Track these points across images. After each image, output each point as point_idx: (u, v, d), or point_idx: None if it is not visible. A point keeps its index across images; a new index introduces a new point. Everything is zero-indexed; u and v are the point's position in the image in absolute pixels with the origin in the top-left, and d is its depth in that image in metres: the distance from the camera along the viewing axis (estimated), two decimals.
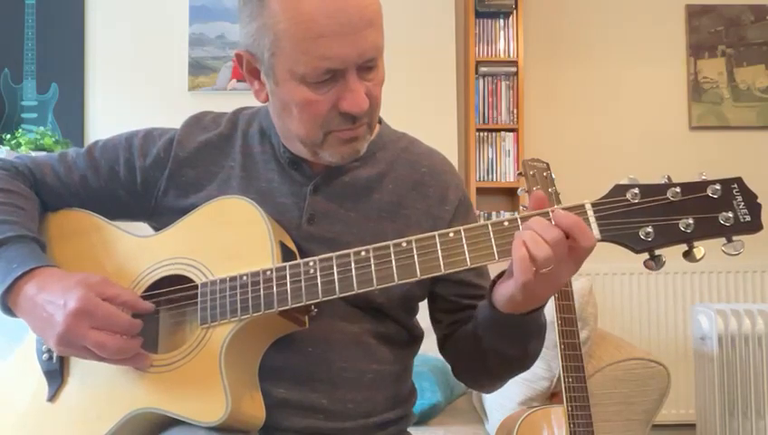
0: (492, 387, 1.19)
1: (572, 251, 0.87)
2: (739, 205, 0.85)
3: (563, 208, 0.89)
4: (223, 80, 3.33)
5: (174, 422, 0.96)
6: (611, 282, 3.36)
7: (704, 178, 0.87)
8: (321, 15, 0.94)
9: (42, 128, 3.21)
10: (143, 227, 1.18)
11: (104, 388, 1.01)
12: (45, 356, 1.07)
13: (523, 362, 1.09)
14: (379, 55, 1.01)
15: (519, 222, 0.90)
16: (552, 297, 1.67)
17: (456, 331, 1.14)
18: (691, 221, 0.85)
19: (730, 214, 0.84)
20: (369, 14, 0.97)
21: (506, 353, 1.05)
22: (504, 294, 0.95)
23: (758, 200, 0.85)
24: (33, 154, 2.84)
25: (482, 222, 0.92)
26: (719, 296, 3.35)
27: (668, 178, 0.87)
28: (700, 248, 0.86)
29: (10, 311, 1.01)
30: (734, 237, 0.85)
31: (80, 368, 1.05)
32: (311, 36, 0.95)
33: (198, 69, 3.33)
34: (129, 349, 0.96)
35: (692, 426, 2.89)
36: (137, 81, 3.33)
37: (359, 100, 0.99)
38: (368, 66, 1.00)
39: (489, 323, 1.01)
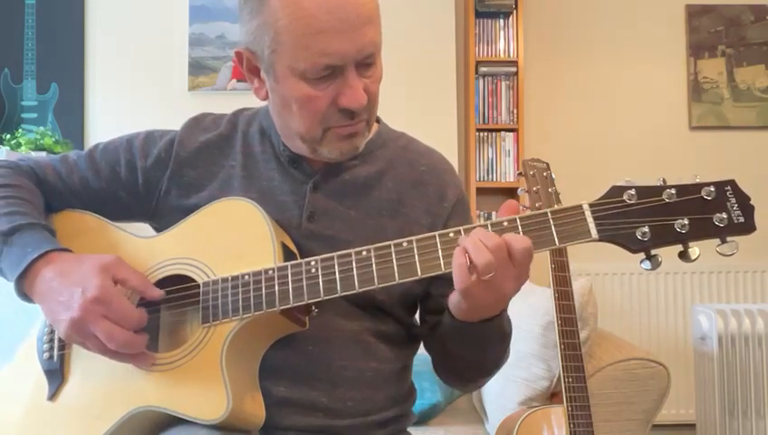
0: (463, 388, 1.22)
1: (512, 257, 0.89)
2: (733, 206, 0.87)
3: (560, 209, 0.91)
4: (223, 80, 3.33)
5: (174, 421, 0.96)
6: (611, 282, 3.36)
7: (698, 180, 0.88)
8: (321, 11, 0.95)
9: (42, 128, 3.21)
10: (144, 228, 1.18)
11: (105, 386, 1.02)
12: (46, 355, 1.07)
13: (482, 367, 1.12)
14: (377, 52, 1.03)
15: (518, 222, 0.91)
16: (552, 297, 1.67)
17: (435, 331, 1.15)
18: (686, 222, 0.87)
19: (724, 215, 0.86)
20: (367, 11, 0.98)
21: (465, 358, 1.08)
22: (452, 301, 0.97)
23: (752, 202, 0.87)
24: (34, 155, 2.85)
25: (481, 222, 0.93)
26: (719, 296, 3.35)
27: (663, 180, 0.89)
28: (695, 249, 0.88)
29: (25, 296, 1.02)
30: (729, 238, 0.87)
31: (80, 367, 1.05)
32: (310, 32, 0.96)
33: (198, 69, 3.33)
34: (135, 344, 0.97)
35: (692, 426, 2.89)
36: (137, 81, 3.33)
37: (357, 95, 1.00)
38: (366, 63, 1.01)
39: (449, 328, 1.04)
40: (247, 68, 1.07)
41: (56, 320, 0.98)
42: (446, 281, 1.13)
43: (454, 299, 0.96)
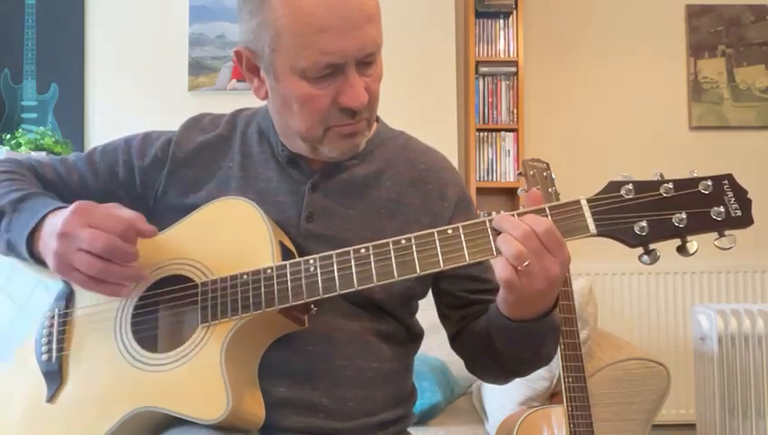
0: (506, 381, 1.20)
1: (542, 242, 0.88)
2: (730, 200, 0.87)
3: (558, 205, 0.90)
4: (223, 80, 3.33)
5: (174, 421, 0.96)
6: (611, 282, 3.36)
7: (695, 174, 0.89)
8: (322, 10, 0.95)
9: (42, 128, 3.21)
10: None
11: (103, 387, 1.01)
12: (45, 357, 1.07)
13: (537, 362, 1.11)
14: (378, 51, 1.02)
15: (516, 218, 0.91)
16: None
17: (466, 326, 1.15)
18: (684, 216, 0.86)
19: (722, 209, 0.86)
20: (368, 10, 0.98)
21: (520, 356, 1.07)
22: (500, 298, 0.96)
23: (749, 196, 0.87)
24: (34, 155, 2.84)
25: (480, 218, 0.93)
26: (719, 296, 3.35)
27: (661, 174, 0.89)
28: (693, 243, 0.88)
29: (31, 253, 1.02)
30: (726, 232, 0.87)
31: (79, 368, 1.05)
32: (311, 31, 0.96)
33: (198, 69, 3.33)
34: (123, 250, 0.95)
35: (692, 426, 2.90)
36: (137, 81, 3.33)
37: (358, 94, 1.00)
38: (366, 61, 1.01)
39: (499, 328, 1.02)
40: (247, 67, 1.07)
41: (48, 251, 0.98)
42: (460, 277, 1.13)
43: (500, 296, 0.95)
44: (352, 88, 0.99)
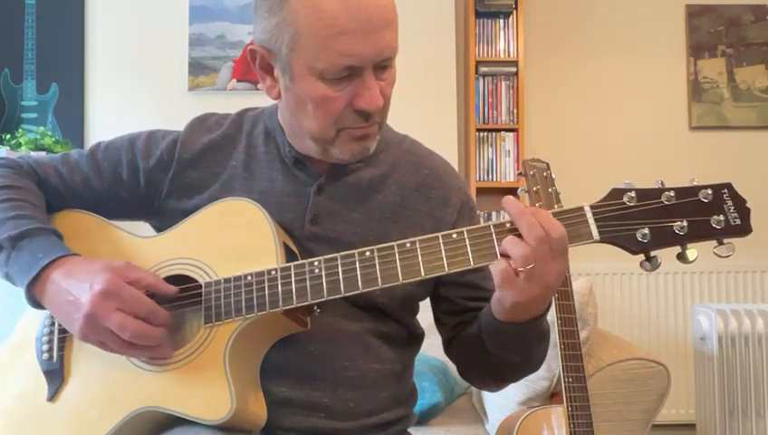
0: (497, 387, 1.21)
1: (551, 247, 0.89)
2: (729, 209, 0.89)
3: (561, 211, 0.91)
4: (223, 80, 3.33)
5: (176, 421, 0.96)
6: (611, 282, 3.36)
7: (695, 183, 0.90)
8: (344, 13, 0.95)
9: (42, 128, 3.21)
10: (144, 228, 1.18)
11: (105, 387, 1.02)
12: (45, 356, 1.07)
13: (526, 367, 1.11)
14: (394, 56, 1.04)
15: None
16: (552, 297, 1.67)
17: (460, 332, 1.15)
18: (685, 224, 0.88)
19: (721, 217, 0.88)
20: (388, 15, 0.99)
21: (509, 360, 1.07)
22: (494, 300, 0.97)
23: (747, 204, 0.89)
24: (34, 154, 2.84)
25: (484, 223, 0.94)
26: (719, 296, 3.36)
27: (662, 182, 0.91)
28: (693, 250, 0.90)
29: (35, 302, 1.02)
30: (725, 240, 0.88)
31: (80, 367, 1.05)
32: (333, 33, 0.96)
33: (198, 69, 3.33)
34: (150, 335, 0.96)
35: (692, 426, 2.90)
36: (137, 81, 3.33)
37: (374, 97, 1.00)
38: (383, 65, 1.02)
39: (491, 331, 1.03)
40: (260, 66, 1.06)
41: (69, 321, 0.98)
42: (460, 284, 1.14)
43: (495, 298, 0.96)
44: (369, 91, 1.00)
